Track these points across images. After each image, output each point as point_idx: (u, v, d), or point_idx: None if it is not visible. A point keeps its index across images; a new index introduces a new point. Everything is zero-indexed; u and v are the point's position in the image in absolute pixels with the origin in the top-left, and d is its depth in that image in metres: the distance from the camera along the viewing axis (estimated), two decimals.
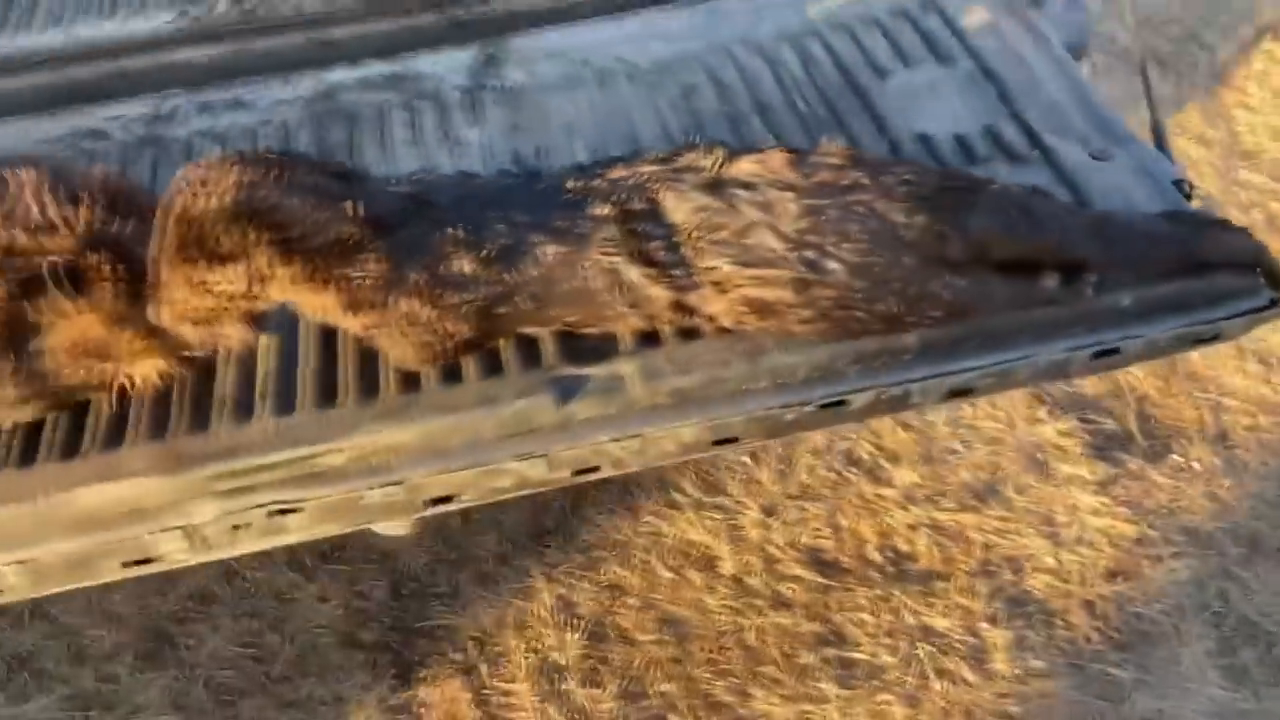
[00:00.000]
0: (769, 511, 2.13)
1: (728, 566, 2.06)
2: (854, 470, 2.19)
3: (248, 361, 1.27)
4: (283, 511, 1.20)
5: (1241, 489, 2.06)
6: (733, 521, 2.13)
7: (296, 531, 1.22)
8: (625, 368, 1.24)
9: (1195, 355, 2.25)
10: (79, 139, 1.61)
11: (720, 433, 1.25)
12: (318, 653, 2.05)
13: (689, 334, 1.27)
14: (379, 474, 1.20)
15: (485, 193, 1.23)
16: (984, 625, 1.93)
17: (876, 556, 2.06)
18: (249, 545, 1.22)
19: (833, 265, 1.17)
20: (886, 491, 2.15)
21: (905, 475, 2.16)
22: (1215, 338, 1.30)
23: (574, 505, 2.20)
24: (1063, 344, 1.25)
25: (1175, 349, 1.30)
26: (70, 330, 1.12)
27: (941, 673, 1.88)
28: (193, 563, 1.22)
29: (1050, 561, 2.00)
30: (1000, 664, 1.89)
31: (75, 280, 1.11)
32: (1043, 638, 1.91)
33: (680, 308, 1.21)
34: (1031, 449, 2.17)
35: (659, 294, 1.19)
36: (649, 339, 1.27)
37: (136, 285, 1.13)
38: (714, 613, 2.00)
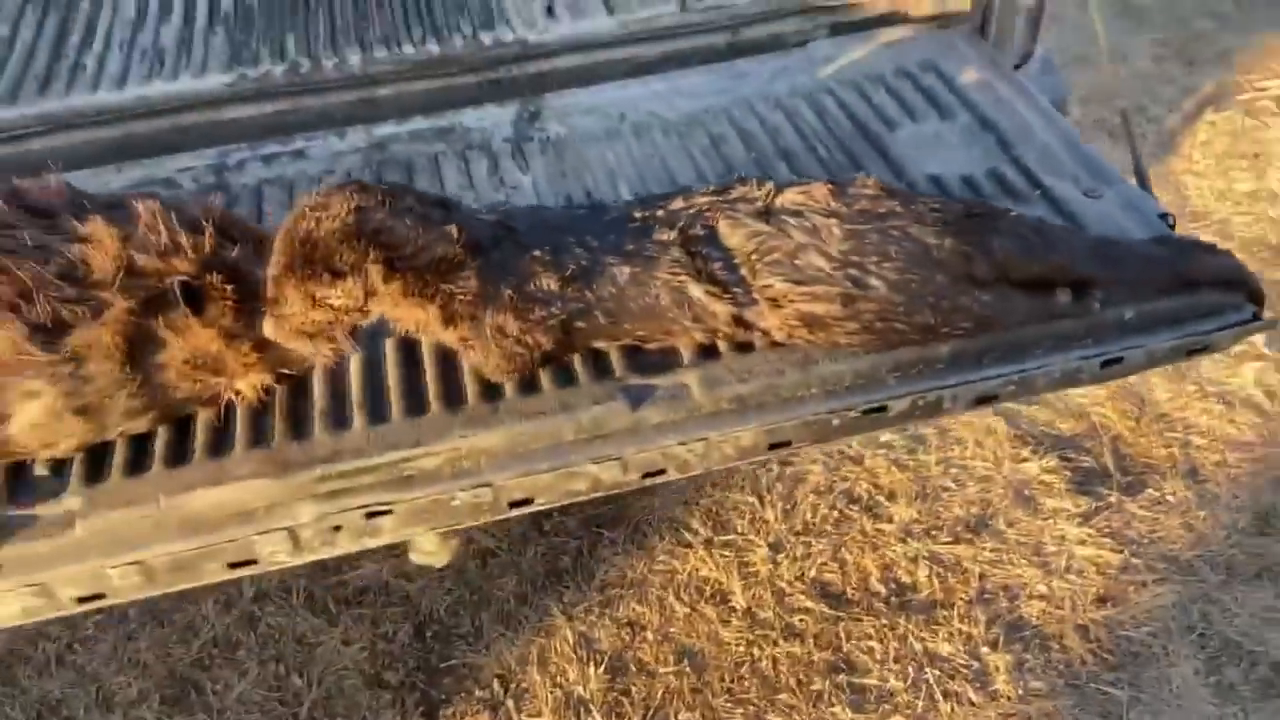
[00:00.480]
0: (776, 548, 2.24)
1: (740, 600, 2.16)
2: (854, 508, 2.32)
3: (337, 377, 1.37)
4: (377, 513, 1.29)
5: (1215, 519, 2.21)
6: (743, 558, 2.23)
7: (388, 533, 1.31)
8: (688, 377, 1.36)
9: (1161, 395, 2.43)
10: (152, 188, 1.72)
11: (775, 437, 1.37)
12: (344, 694, 2.10)
13: (743, 348, 1.40)
14: (468, 477, 1.30)
15: (560, 221, 1.36)
16: (985, 650, 2.05)
17: (880, 588, 2.17)
18: (344, 547, 1.31)
19: (875, 282, 1.32)
20: (886, 527, 2.27)
21: (902, 511, 2.29)
22: (1206, 348, 1.46)
23: (590, 546, 2.29)
24: (1075, 353, 1.41)
25: (1172, 358, 1.45)
26: (187, 345, 1.22)
27: (948, 695, 1.99)
28: (291, 564, 1.30)
29: (1043, 589, 2.13)
30: (1003, 685, 2.00)
31: (194, 299, 1.21)
32: (1041, 660, 2.03)
33: (739, 321, 1.34)
34: (1019, 485, 2.32)
35: (721, 309, 1.33)
36: (707, 352, 1.39)
37: (248, 304, 1.24)
38: (729, 644, 2.09)
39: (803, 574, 2.19)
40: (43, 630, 2.22)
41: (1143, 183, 1.64)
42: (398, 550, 2.28)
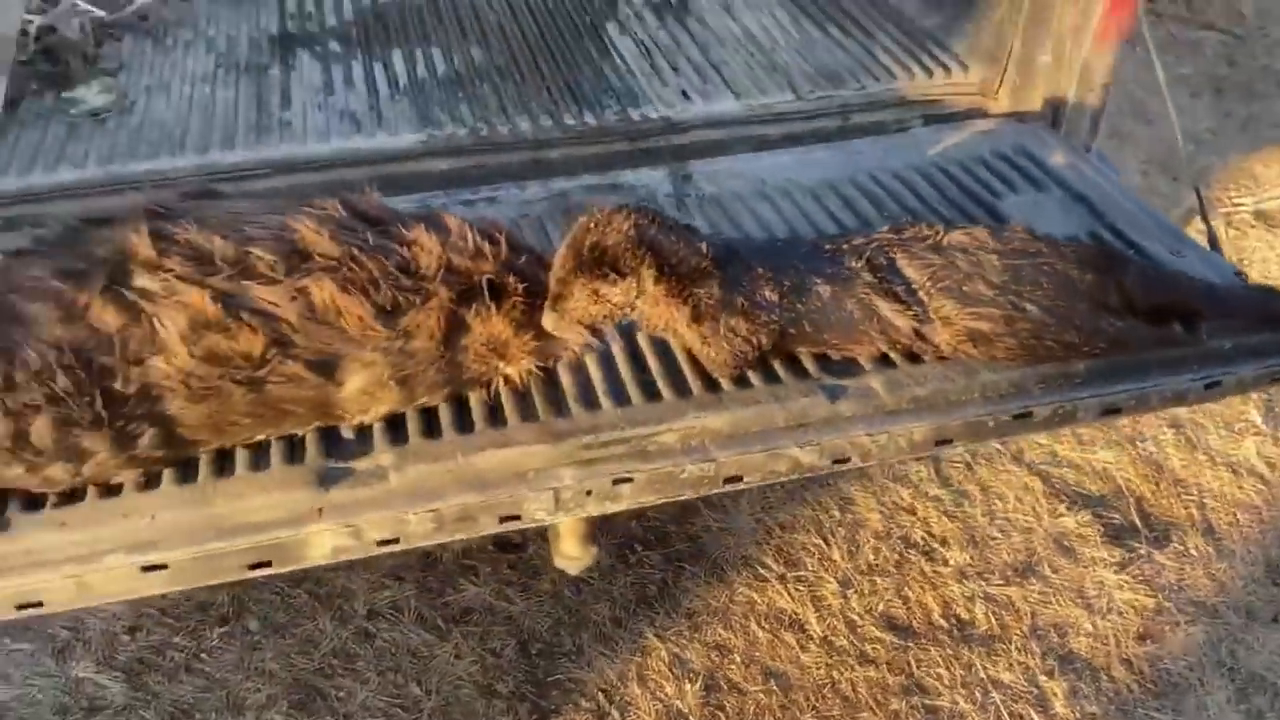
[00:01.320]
0: (845, 584, 2.49)
1: (816, 629, 2.39)
2: (912, 551, 2.58)
3: (581, 370, 1.64)
4: (622, 480, 1.54)
5: (1233, 570, 2.49)
6: (815, 592, 2.47)
7: (626, 499, 1.56)
8: (874, 380, 1.65)
9: (1176, 463, 2.75)
10: None
11: (942, 434, 1.65)
12: (460, 703, 2.28)
13: (913, 360, 1.69)
14: (696, 453, 1.56)
15: (769, 248, 1.66)
16: (1042, 678, 2.30)
17: (942, 622, 2.42)
18: (591, 509, 1.55)
19: (1029, 306, 1.62)
20: (942, 569, 2.53)
21: (956, 556, 2.55)
22: None
23: (674, 578, 2.52)
24: (1185, 376, 1.71)
25: (1256, 385, 1.76)
26: (486, 331, 1.48)
27: (1014, 716, 2.23)
28: (547, 522, 1.54)
29: (1089, 626, 2.38)
30: (1062, 710, 2.24)
31: (495, 294, 1.48)
32: (1093, 689, 2.28)
33: (918, 335, 1.64)
34: (1058, 536, 2.59)
35: (904, 323, 1.63)
36: (885, 362, 1.68)
37: (533, 301, 1.51)
38: (810, 668, 2.32)
39: (871, 608, 2.42)
40: (168, 641, 2.39)
41: (1214, 245, 1.98)
42: (500, 574, 2.51)
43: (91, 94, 2.33)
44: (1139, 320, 1.67)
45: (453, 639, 2.38)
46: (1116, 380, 1.68)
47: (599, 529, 2.52)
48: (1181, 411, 2.88)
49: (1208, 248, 1.99)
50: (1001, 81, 2.40)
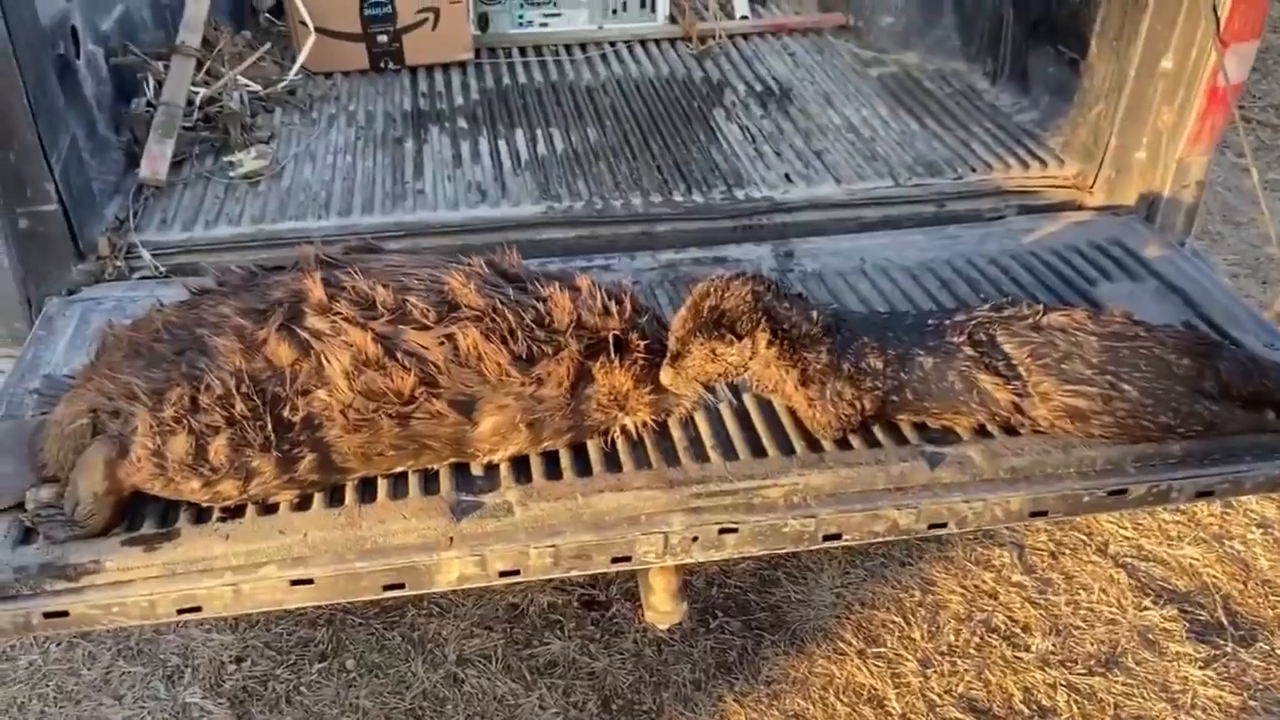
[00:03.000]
0: (925, 664, 2.50)
1: (895, 707, 2.41)
2: (994, 636, 2.58)
3: (691, 425, 1.75)
4: (727, 530, 1.63)
5: None
6: (894, 669, 2.49)
7: (730, 549, 1.65)
8: (972, 450, 1.72)
9: (1264, 563, 2.73)
10: None
11: (1037, 506, 1.71)
12: None
13: (1009, 433, 1.76)
14: (798, 509, 1.65)
15: (873, 319, 1.77)
16: None
17: (1023, 708, 2.41)
18: (695, 556, 1.64)
19: (1127, 386, 1.69)
20: (1024, 655, 2.53)
21: (1039, 643, 2.55)
22: None
23: (754, 646, 2.57)
24: (1278, 462, 1.75)
25: None
26: (609, 383, 1.61)
27: None
28: (656, 565, 1.63)
29: None
30: None
31: (620, 349, 1.61)
32: None
33: (1017, 409, 1.71)
34: (1143, 630, 2.58)
35: (1004, 396, 1.71)
36: (981, 433, 1.76)
37: (653, 358, 1.64)
38: None
39: (951, 689, 2.43)
40: (271, 673, 2.50)
41: None
42: (585, 630, 2.59)
43: (248, 159, 2.57)
44: (1234, 406, 1.72)
45: (538, 690, 2.45)
46: (1211, 463, 1.73)
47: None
48: (1270, 512, 2.87)
49: None
50: (1097, 176, 2.49)
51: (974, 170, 2.60)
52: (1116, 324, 1.73)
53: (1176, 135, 2.32)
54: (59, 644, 2.52)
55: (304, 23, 2.95)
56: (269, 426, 1.48)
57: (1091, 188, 2.51)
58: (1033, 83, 2.83)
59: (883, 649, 2.53)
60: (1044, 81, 2.77)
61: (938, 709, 2.40)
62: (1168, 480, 1.72)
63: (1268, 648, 2.51)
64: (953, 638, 2.56)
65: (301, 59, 2.96)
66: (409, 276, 1.60)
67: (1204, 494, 1.75)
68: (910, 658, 2.51)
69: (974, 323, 1.75)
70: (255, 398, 1.48)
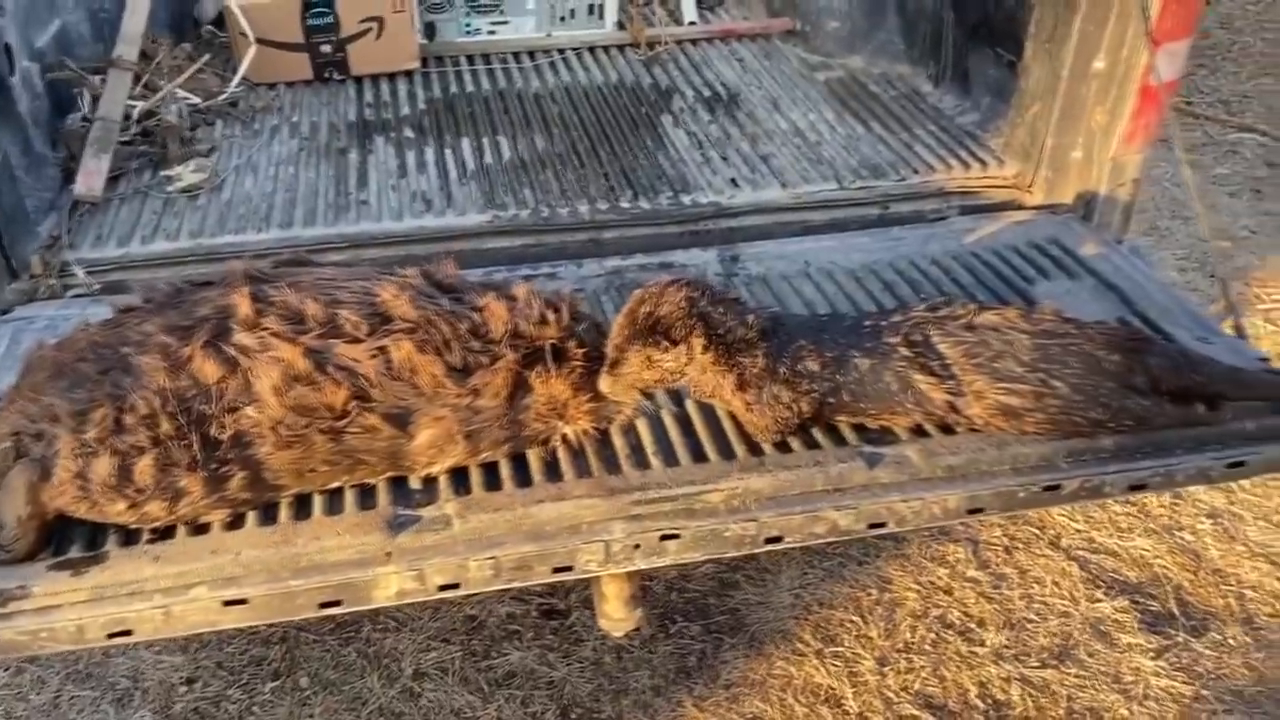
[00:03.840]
0: (882, 661, 2.52)
1: (852, 705, 2.42)
2: (949, 632, 2.61)
3: (632, 432, 1.75)
4: (669, 536, 1.63)
5: (1272, 661, 2.49)
6: (852, 668, 2.51)
7: (672, 555, 1.65)
8: (909, 449, 1.74)
9: (1214, 553, 2.77)
10: None
11: (974, 503, 1.73)
12: None
13: (945, 432, 1.78)
14: (740, 513, 1.65)
15: (812, 323, 1.78)
16: None
17: (979, 703, 2.44)
18: (637, 563, 1.64)
19: (1058, 383, 1.71)
20: (979, 650, 2.55)
21: (993, 637, 2.58)
22: None
23: (713, 650, 2.57)
24: (1209, 455, 1.78)
25: None
26: (547, 392, 1.60)
27: None
28: (598, 574, 1.63)
29: (1125, 713, 2.39)
30: None
31: (557, 358, 1.61)
32: None
33: (952, 408, 1.73)
34: (1095, 621, 2.61)
35: (939, 396, 1.72)
36: (919, 433, 1.77)
37: (592, 366, 1.64)
38: None
39: (907, 686, 2.45)
40: (223, 693, 2.48)
41: (1240, 333, 2.06)
42: (544, 640, 2.58)
43: (186, 172, 2.54)
44: (1164, 400, 1.74)
45: (496, 701, 2.44)
46: (1142, 457, 1.76)
47: (641, 600, 2.59)
48: (1219, 502, 2.91)
49: (1234, 335, 2.06)
50: (1035, 176, 2.53)
51: (917, 172, 2.62)
52: (1047, 322, 1.75)
53: (1110, 134, 2.35)
54: (6, 669, 2.48)
55: (244, 34, 2.92)
56: (196, 445, 1.46)
57: (1030, 187, 2.54)
58: (973, 85, 2.87)
59: (840, 648, 2.54)
60: (984, 83, 2.81)
61: (894, 706, 2.42)
62: (1100, 475, 1.74)
63: (1219, 637, 2.54)
64: (909, 635, 2.57)
65: (242, 70, 2.93)
66: (340, 289, 1.59)
67: (1137, 487, 1.77)
68: (867, 656, 2.52)
69: (909, 323, 1.77)
70: (181, 416, 1.46)
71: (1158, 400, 1.74)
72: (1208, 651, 2.51)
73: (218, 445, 1.49)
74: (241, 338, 1.51)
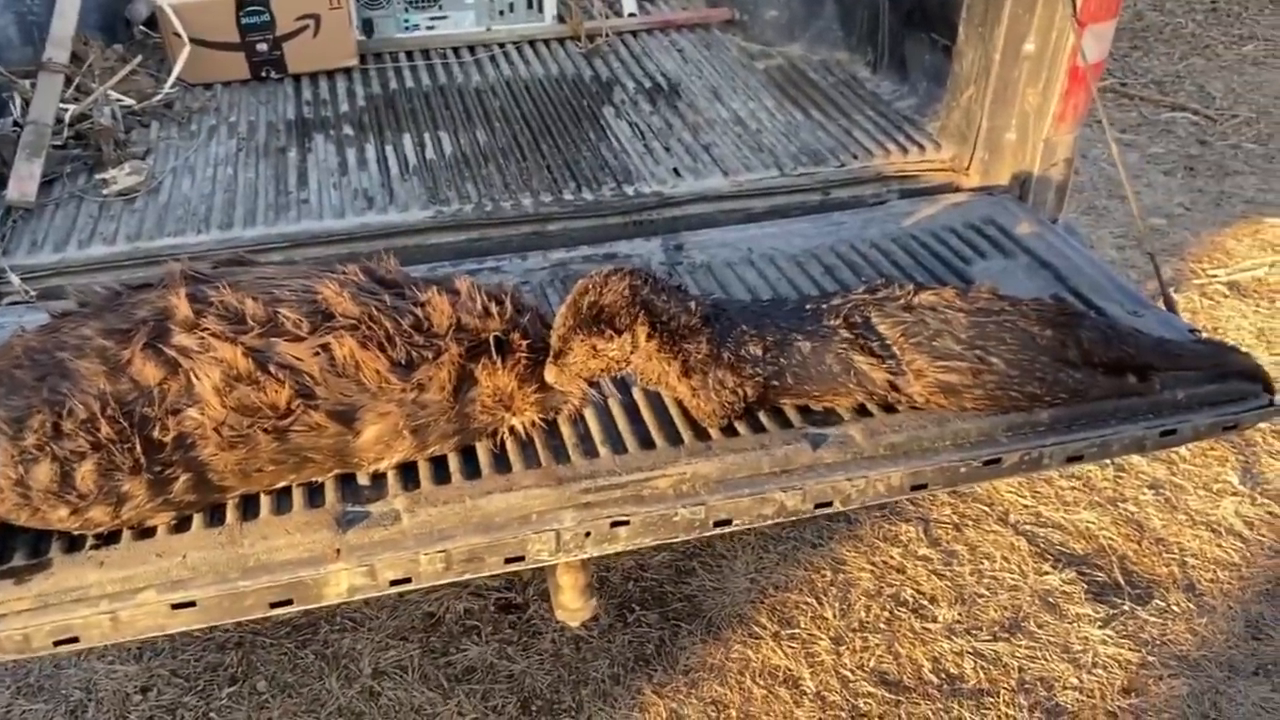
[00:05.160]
0: (837, 641, 2.57)
1: (810, 685, 2.47)
2: (902, 609, 2.66)
3: (580, 421, 1.76)
4: (619, 523, 1.65)
5: (1214, 626, 2.57)
6: (808, 649, 2.55)
7: (623, 542, 1.66)
8: (853, 429, 1.77)
9: (1157, 523, 2.85)
10: None
11: (917, 479, 1.76)
12: None
13: (889, 410, 1.81)
14: (689, 498, 1.67)
15: (755, 307, 1.80)
16: None
17: (932, 677, 2.49)
18: (590, 550, 1.65)
19: (994, 359, 1.76)
20: (932, 626, 2.60)
21: (945, 613, 2.64)
22: (1235, 426, 1.90)
23: (671, 636, 2.60)
24: (1141, 424, 1.83)
25: (1211, 434, 1.88)
26: (493, 384, 1.61)
27: None
28: (550, 563, 1.64)
29: (1075, 681, 2.45)
30: None
31: (501, 350, 1.62)
32: None
33: (893, 387, 1.77)
34: (1044, 593, 2.68)
35: (879, 375, 1.75)
36: (862, 412, 1.81)
37: (537, 357, 1.64)
38: None
39: (863, 664, 2.49)
40: (179, 701, 2.46)
41: (1170, 307, 2.12)
42: (502, 634, 2.59)
43: (121, 175, 2.50)
44: (1097, 373, 1.79)
45: (455, 697, 2.44)
46: (1078, 429, 1.80)
47: (598, 590, 2.61)
48: (1161, 473, 2.99)
49: (1164, 308, 2.12)
50: (972, 158, 2.58)
51: (856, 157, 2.66)
52: (983, 300, 1.79)
53: (1042, 115, 2.41)
54: None
55: (178, 34, 2.88)
56: (138, 448, 1.45)
57: (967, 170, 2.59)
58: (910, 70, 2.91)
59: (797, 630, 2.58)
60: (920, 68, 2.85)
61: (851, 685, 2.46)
62: (1038, 447, 1.79)
63: (1163, 604, 2.62)
64: (863, 614, 2.62)
65: (176, 71, 2.89)
66: (280, 288, 1.58)
67: (1074, 458, 1.82)
68: (823, 636, 2.56)
69: (849, 305, 1.80)
70: (122, 420, 1.44)
71: (1091, 373, 1.79)
72: (1152, 618, 2.58)
73: (160, 448, 1.47)
74: (181, 339, 1.50)
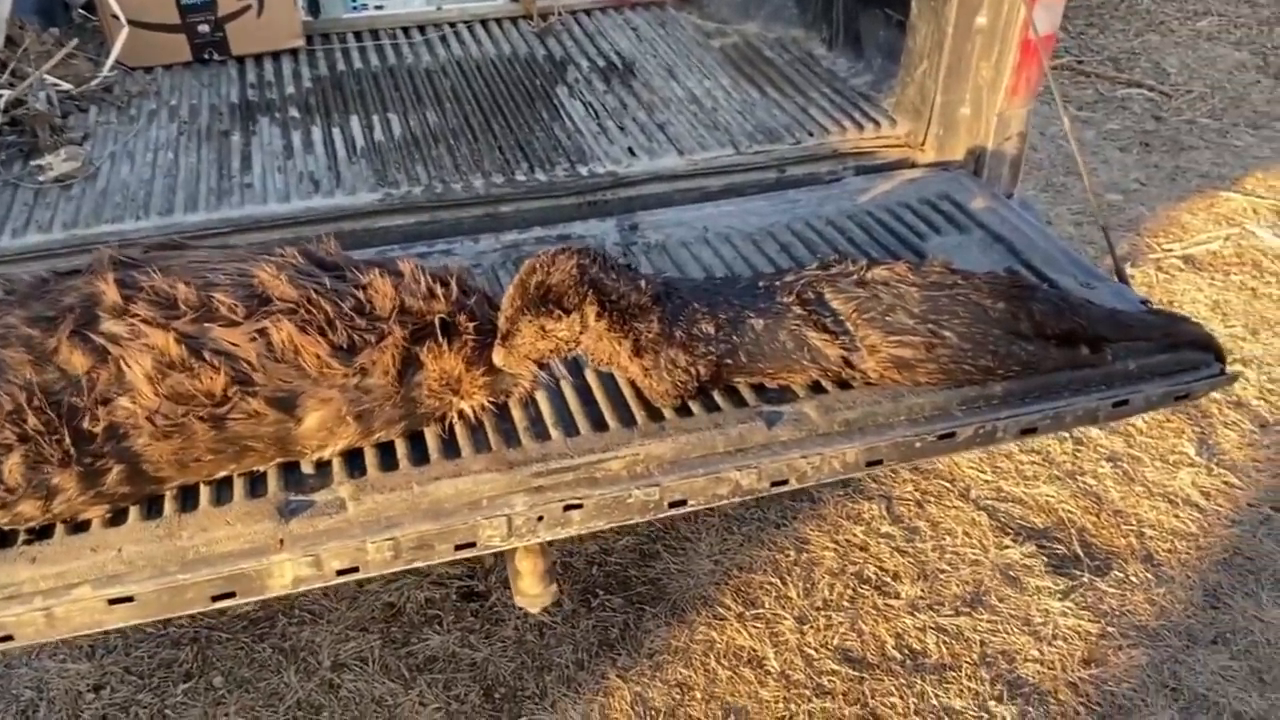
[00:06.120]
0: (801, 620, 2.56)
1: (774, 664, 2.46)
2: (865, 587, 2.66)
3: (531, 405, 1.73)
4: (572, 506, 1.62)
5: (1173, 596, 2.59)
6: (772, 629, 2.54)
7: (577, 525, 1.64)
8: (807, 406, 1.75)
9: (1115, 495, 2.87)
10: None
11: (872, 455, 1.75)
12: None
13: (843, 387, 1.80)
14: (642, 479, 1.65)
15: (707, 285, 1.77)
16: (992, 704, 2.37)
17: (895, 653, 2.49)
18: (543, 535, 1.63)
19: (948, 333, 1.74)
20: (895, 602, 2.61)
21: (908, 589, 2.64)
22: (1187, 396, 1.91)
23: (635, 620, 2.59)
24: (1094, 395, 1.83)
25: (1163, 403, 1.89)
26: (439, 368, 1.57)
27: None
28: (502, 548, 1.61)
29: (1035, 653, 2.47)
30: None
31: (447, 332, 1.58)
32: (1041, 712, 2.35)
33: (847, 363, 1.75)
34: (1004, 567, 2.69)
35: (833, 351, 1.74)
36: (816, 389, 1.79)
37: (484, 339, 1.61)
38: (769, 703, 2.39)
39: (826, 642, 2.49)
40: (133, 699, 2.41)
41: (1122, 279, 2.12)
42: (464, 622, 2.56)
43: (58, 161, 2.42)
44: (1050, 345, 1.79)
45: (417, 687, 2.41)
46: (1032, 401, 1.80)
47: (561, 576, 2.59)
48: (1118, 446, 3.01)
49: (1117, 281, 2.13)
50: (926, 134, 2.56)
51: (812, 135, 2.64)
52: (935, 274, 1.78)
53: (996, 89, 2.40)
54: None
55: (116, 16, 2.80)
56: (67, 440, 1.40)
57: (923, 145, 2.57)
58: (865, 46, 2.89)
59: (761, 610, 2.57)
60: (875, 44, 2.83)
61: (815, 663, 2.45)
62: (992, 420, 1.78)
63: (1121, 575, 2.64)
64: (827, 592, 2.62)
65: (115, 54, 2.81)
66: (214, 272, 1.53)
67: (1028, 431, 1.82)
68: (787, 616, 2.56)
69: (802, 282, 1.78)
70: (49, 410, 1.39)
71: (1043, 345, 1.78)
72: (1111, 590, 2.60)
73: (91, 439, 1.43)
74: (110, 326, 1.45)
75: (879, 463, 1.76)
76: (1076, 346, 1.82)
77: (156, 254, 1.59)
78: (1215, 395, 3.08)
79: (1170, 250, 3.88)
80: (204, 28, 2.91)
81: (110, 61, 2.80)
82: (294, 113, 2.74)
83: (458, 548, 1.57)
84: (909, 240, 2.25)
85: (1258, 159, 4.46)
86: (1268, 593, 2.58)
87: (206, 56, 2.96)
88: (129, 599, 1.42)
